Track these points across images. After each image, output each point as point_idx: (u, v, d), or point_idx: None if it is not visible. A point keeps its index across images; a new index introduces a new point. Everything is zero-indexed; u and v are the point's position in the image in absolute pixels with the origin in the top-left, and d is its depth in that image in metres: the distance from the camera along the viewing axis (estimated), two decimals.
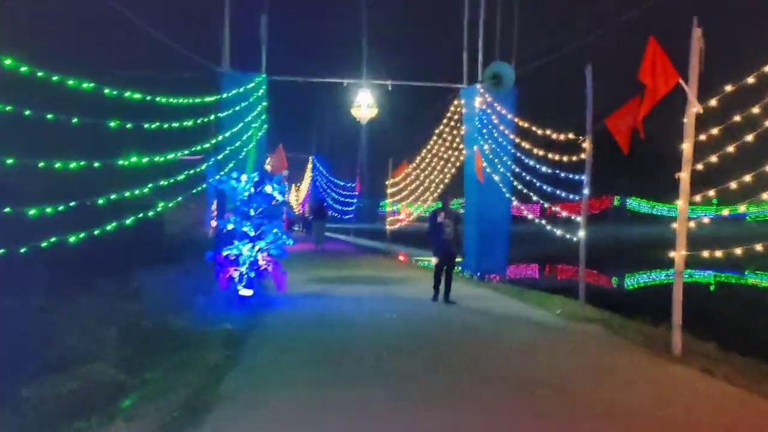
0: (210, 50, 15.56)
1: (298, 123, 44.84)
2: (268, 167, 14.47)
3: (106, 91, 8.03)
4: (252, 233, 10.93)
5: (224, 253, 10.72)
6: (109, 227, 8.30)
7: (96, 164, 7.68)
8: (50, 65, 6.91)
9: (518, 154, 13.62)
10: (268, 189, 11.00)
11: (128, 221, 8.81)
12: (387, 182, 24.58)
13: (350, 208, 31.79)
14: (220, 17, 15.26)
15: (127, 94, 8.75)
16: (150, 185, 9.53)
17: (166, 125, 10.05)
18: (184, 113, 11.40)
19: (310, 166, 44.27)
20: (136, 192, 9.11)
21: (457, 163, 17.53)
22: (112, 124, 8.26)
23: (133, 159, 8.83)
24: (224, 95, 12.05)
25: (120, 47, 16.02)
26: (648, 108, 7.30)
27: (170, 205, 10.86)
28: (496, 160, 14.61)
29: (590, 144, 10.24)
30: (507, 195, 14.61)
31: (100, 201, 8.11)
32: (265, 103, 14.60)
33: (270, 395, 5.79)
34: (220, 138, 11.71)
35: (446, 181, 18.68)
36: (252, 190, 10.90)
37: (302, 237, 34.05)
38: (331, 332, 8.80)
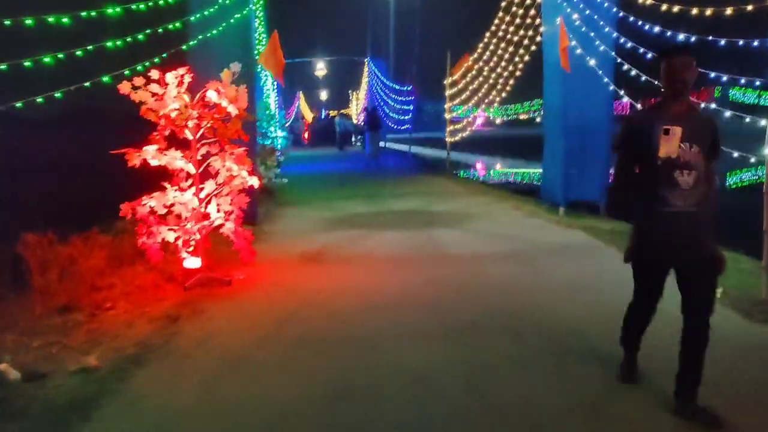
0: None
1: (346, 21, 39.93)
2: (261, 63, 10.04)
3: None
4: (192, 170, 6.71)
5: (145, 204, 6.59)
6: None
7: None
8: None
9: (629, 20, 8.54)
10: (212, 95, 6.63)
11: None
12: (445, 81, 19.64)
13: (407, 117, 26.94)
14: None
15: None
16: None
17: None
18: None
19: (366, 70, 39.17)
20: None
21: (532, 47, 12.44)
22: None
23: None
24: None
25: None
26: None
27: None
28: (592, 34, 9.57)
29: None
30: (609, 87, 9.65)
31: None
32: None
33: None
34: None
35: (517, 74, 13.68)
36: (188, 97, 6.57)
37: (356, 153, 29.95)
38: (289, 387, 4.37)
